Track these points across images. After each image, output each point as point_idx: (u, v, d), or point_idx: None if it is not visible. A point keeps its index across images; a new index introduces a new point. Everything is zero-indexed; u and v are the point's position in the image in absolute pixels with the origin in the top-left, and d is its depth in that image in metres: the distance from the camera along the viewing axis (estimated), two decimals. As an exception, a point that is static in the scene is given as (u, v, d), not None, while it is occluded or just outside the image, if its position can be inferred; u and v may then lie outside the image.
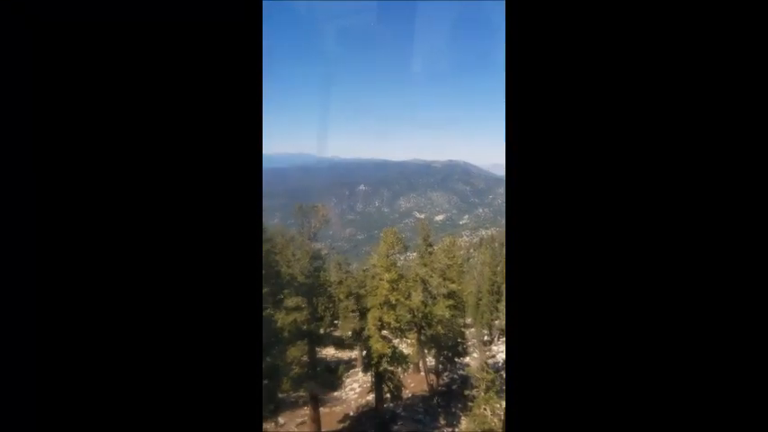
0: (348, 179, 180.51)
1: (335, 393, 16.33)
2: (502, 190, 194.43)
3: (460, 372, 19.12)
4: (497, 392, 13.45)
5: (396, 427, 14.75)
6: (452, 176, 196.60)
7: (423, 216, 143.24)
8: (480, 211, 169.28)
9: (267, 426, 12.80)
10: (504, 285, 26.90)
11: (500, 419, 13.47)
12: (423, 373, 18.29)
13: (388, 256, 13.63)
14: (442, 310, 16.20)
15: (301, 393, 14.60)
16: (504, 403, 15.60)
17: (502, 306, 25.93)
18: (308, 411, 13.94)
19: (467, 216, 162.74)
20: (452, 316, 16.82)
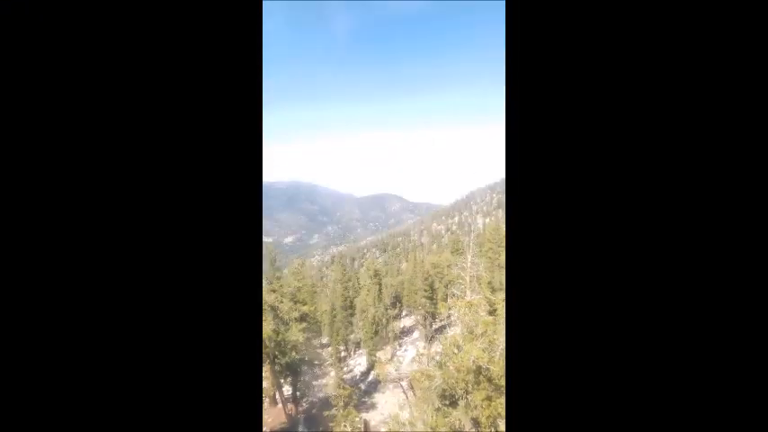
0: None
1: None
2: (349, 207, 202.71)
3: (320, 394, 18.91)
4: (355, 406, 13.76)
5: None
6: (298, 196, 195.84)
7: (270, 240, 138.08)
8: (330, 228, 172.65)
9: None
10: (356, 299, 27.92)
11: (360, 432, 13.77)
12: (280, 405, 17.40)
13: (231, 288, 12.63)
14: (295, 334, 15.80)
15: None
16: (362, 415, 16.03)
17: (355, 320, 26.82)
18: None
19: (317, 235, 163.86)
20: (307, 339, 16.56)
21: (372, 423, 16.76)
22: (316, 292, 20.84)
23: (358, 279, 33.53)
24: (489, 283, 18.27)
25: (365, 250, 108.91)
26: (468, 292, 8.45)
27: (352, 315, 27.08)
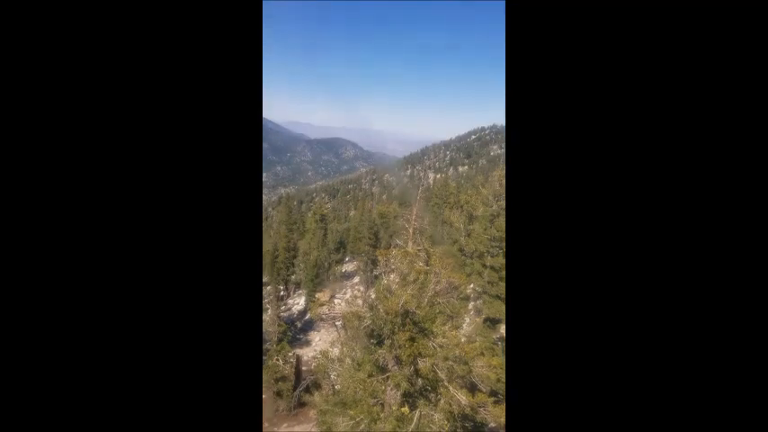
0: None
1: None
2: (300, 148, 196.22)
3: (256, 329, 19.26)
4: (290, 342, 14.21)
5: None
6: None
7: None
8: (279, 169, 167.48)
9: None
10: (300, 241, 27.89)
11: (292, 366, 14.40)
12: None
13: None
14: (233, 271, 15.64)
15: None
16: (296, 351, 16.66)
17: (297, 261, 26.97)
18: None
19: (265, 174, 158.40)
20: (245, 276, 16.49)
21: (305, 359, 17.52)
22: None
23: (304, 223, 33.30)
24: (431, 236, 18.98)
25: (314, 194, 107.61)
26: (410, 243, 8.73)
27: (294, 257, 27.13)
